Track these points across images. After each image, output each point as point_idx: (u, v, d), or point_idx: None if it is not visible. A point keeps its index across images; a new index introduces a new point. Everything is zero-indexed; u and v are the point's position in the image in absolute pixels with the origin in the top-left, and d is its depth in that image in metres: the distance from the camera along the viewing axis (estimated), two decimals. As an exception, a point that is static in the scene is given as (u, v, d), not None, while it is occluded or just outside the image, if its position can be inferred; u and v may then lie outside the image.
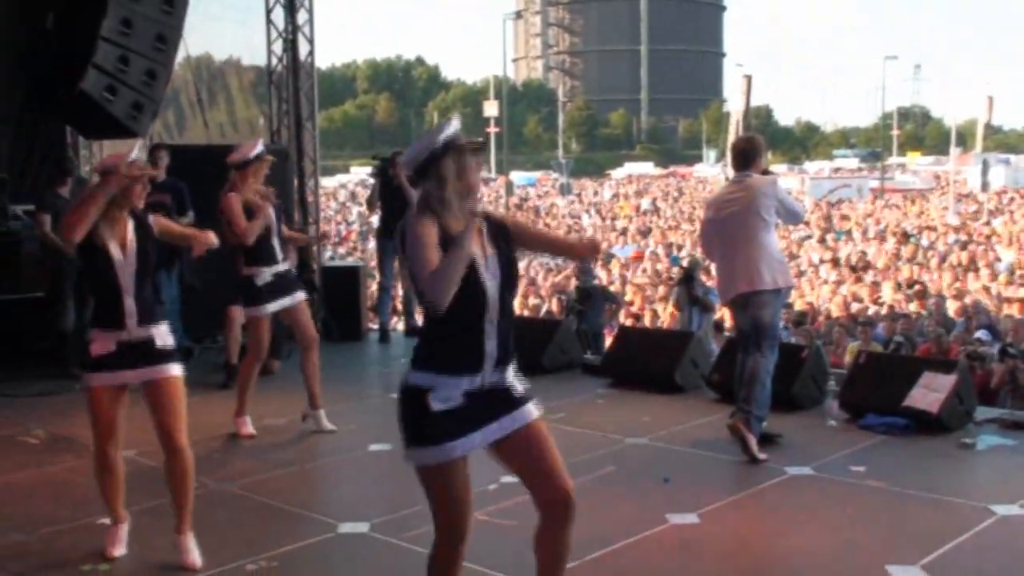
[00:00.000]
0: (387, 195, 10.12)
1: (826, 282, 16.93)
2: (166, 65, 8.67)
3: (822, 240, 24.15)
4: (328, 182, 58.06)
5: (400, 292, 12.08)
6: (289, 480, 5.89)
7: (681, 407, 7.36)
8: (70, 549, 4.75)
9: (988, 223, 27.15)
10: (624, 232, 28.00)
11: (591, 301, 12.17)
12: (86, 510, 5.20)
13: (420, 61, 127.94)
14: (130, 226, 4.46)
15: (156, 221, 4.60)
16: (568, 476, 3.37)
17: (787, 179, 43.32)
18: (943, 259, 19.06)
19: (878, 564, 4.35)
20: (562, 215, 38.25)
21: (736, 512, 5.23)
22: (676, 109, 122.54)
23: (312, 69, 11.10)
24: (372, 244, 19.46)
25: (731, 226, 6.12)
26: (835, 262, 19.34)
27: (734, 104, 32.52)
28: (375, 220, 12.83)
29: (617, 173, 79.51)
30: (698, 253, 14.63)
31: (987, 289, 14.82)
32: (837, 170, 69.62)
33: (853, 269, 18.04)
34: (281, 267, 6.67)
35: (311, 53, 11.03)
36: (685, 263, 13.97)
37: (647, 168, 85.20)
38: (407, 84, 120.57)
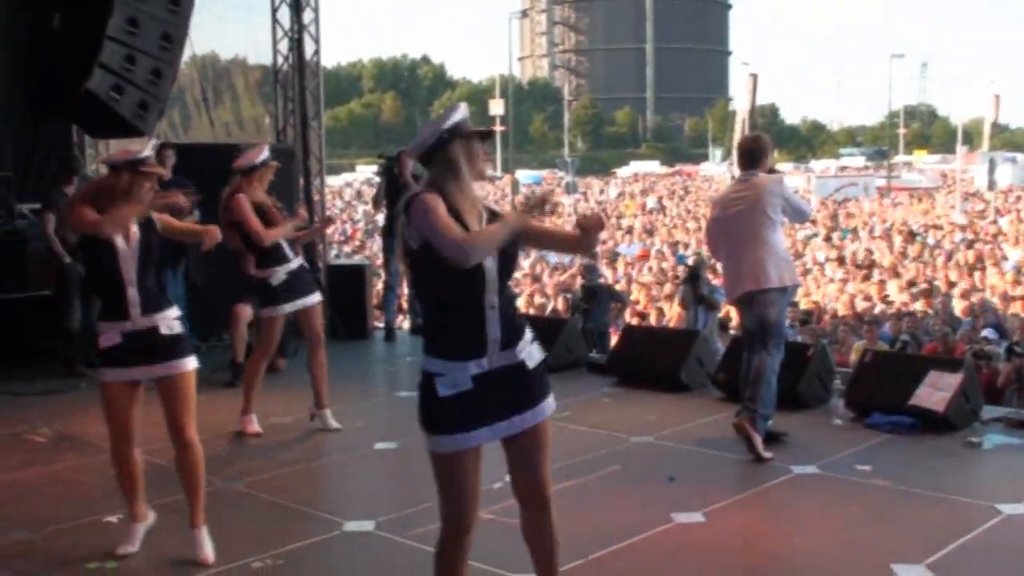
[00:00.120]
0: (392, 194, 10.11)
1: (832, 280, 16.91)
2: (172, 64, 8.68)
3: (828, 238, 24.11)
4: (334, 181, 58.14)
5: (406, 291, 12.08)
6: (295, 478, 5.90)
7: (686, 406, 7.36)
8: (75, 547, 4.76)
9: (995, 222, 27.10)
10: (630, 231, 27.97)
11: (597, 300, 12.16)
12: (91, 508, 5.23)
13: (426, 60, 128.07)
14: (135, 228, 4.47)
15: (159, 217, 4.61)
16: (548, 477, 3.40)
17: (793, 178, 43.24)
18: (949, 257, 19.02)
19: (883, 563, 4.34)
20: (567, 213, 38.19)
21: (741, 511, 5.23)
22: (682, 107, 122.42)
23: (318, 68, 11.11)
24: (377, 243, 19.47)
25: (737, 225, 6.11)
26: (841, 260, 19.32)
27: (740, 103, 32.44)
28: (380, 219, 12.84)
29: (623, 171, 79.51)
30: (704, 251, 14.61)
31: (993, 287, 14.80)
32: (843, 168, 69.50)
33: (859, 267, 18.02)
34: (293, 264, 6.68)
35: (317, 52, 11.03)
36: (691, 261, 13.96)
37: (653, 167, 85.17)
38: (413, 83, 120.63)
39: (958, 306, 13.11)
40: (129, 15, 8.17)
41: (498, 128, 57.35)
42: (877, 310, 13.30)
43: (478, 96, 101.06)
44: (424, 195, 3.18)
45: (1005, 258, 18.57)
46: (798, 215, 6.52)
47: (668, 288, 15.39)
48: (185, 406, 4.49)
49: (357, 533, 4.91)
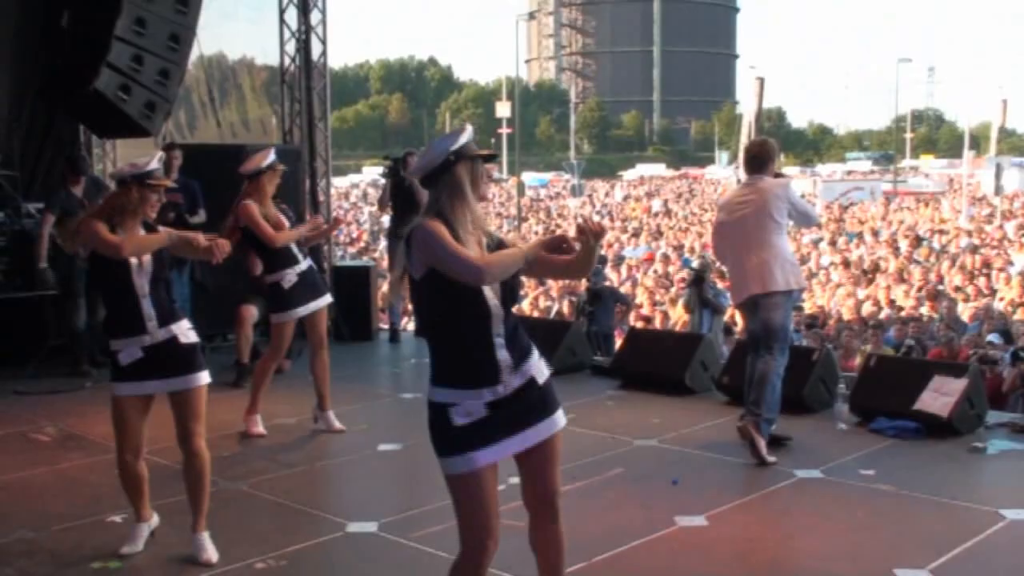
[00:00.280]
0: (399, 196, 10.13)
1: (840, 285, 16.88)
2: (180, 65, 8.70)
3: (833, 243, 24.08)
4: (340, 182, 58.23)
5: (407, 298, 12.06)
6: (298, 479, 5.90)
7: (690, 409, 7.36)
8: (80, 546, 4.77)
9: (1001, 227, 27.04)
10: (636, 235, 27.96)
11: (601, 302, 12.15)
12: (96, 507, 5.24)
13: (433, 61, 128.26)
14: (143, 232, 4.49)
15: (167, 232, 4.62)
16: (558, 482, 3.41)
17: (799, 182, 43.25)
18: (954, 262, 18.99)
19: (887, 568, 4.34)
20: (573, 216, 38.21)
21: (744, 515, 5.22)
22: (688, 111, 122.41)
23: (325, 69, 11.13)
24: (383, 244, 19.49)
25: (743, 228, 6.11)
26: (846, 264, 19.29)
27: (746, 106, 32.45)
28: (386, 220, 12.85)
29: (629, 174, 79.50)
30: (709, 255, 14.60)
31: (1000, 293, 14.77)
32: (850, 172, 69.51)
33: (865, 272, 17.99)
34: (303, 265, 6.69)
35: (324, 53, 11.05)
36: (696, 265, 13.94)
37: (659, 169, 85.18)
38: (420, 84, 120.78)
39: (964, 311, 13.09)
40: (137, 15, 8.20)
41: (504, 130, 57.42)
42: (883, 315, 13.27)
43: (485, 98, 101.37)
44: (426, 224, 3.16)
45: (1011, 263, 18.53)
46: (804, 219, 6.51)
47: (674, 290, 15.38)
48: (197, 417, 4.51)
49: (360, 534, 4.91)
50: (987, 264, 18.34)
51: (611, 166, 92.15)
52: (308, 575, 4.55)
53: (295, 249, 6.66)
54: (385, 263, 13.60)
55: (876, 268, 18.72)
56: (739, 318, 10.66)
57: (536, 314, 14.33)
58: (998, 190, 34.35)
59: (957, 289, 15.37)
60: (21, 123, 10.19)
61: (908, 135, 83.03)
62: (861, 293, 15.60)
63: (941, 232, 25.91)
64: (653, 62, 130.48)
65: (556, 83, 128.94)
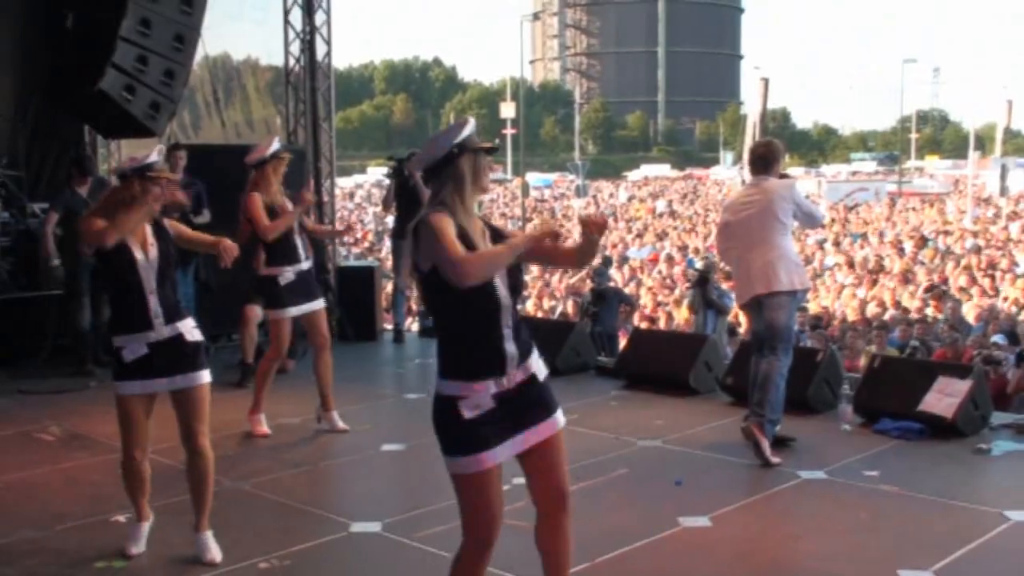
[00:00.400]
0: (403, 196, 10.14)
1: (844, 287, 16.86)
2: (184, 65, 8.72)
3: (837, 243, 24.06)
4: (345, 182, 58.23)
5: (415, 293, 12.09)
6: (302, 479, 5.91)
7: (694, 410, 7.36)
8: (84, 546, 4.78)
9: (1006, 227, 26.99)
10: (640, 235, 27.96)
11: (605, 303, 12.15)
12: (101, 507, 5.25)
13: (437, 62, 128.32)
14: (148, 228, 4.49)
15: (172, 225, 4.64)
16: (567, 480, 3.41)
17: (804, 182, 43.19)
18: (958, 263, 18.96)
19: (891, 569, 4.34)
20: (577, 217, 38.21)
21: (748, 516, 5.22)
22: (693, 111, 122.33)
23: (329, 70, 11.14)
24: (388, 244, 19.50)
25: (748, 229, 6.11)
26: (851, 265, 19.27)
27: (751, 107, 32.39)
28: (390, 220, 12.85)
29: (633, 175, 79.48)
30: (713, 255, 14.61)
31: (1005, 295, 14.74)
32: (854, 173, 69.40)
33: (871, 272, 17.97)
34: (304, 265, 6.68)
35: (328, 54, 11.07)
36: (700, 265, 13.94)
37: (664, 170, 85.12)
38: (424, 85, 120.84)
39: (969, 312, 13.06)
40: (142, 16, 8.21)
41: (509, 131, 57.44)
42: (887, 316, 13.26)
43: (489, 98, 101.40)
44: (432, 217, 3.18)
45: (1016, 264, 18.50)
46: (810, 220, 6.51)
47: (679, 291, 15.37)
48: (201, 415, 4.51)
49: (364, 534, 4.92)
50: (992, 265, 18.31)
51: (615, 167, 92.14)
52: (311, 575, 4.55)
53: (300, 248, 6.65)
54: (389, 263, 13.60)
55: (880, 269, 18.70)
56: (743, 318, 10.67)
57: (540, 314, 14.33)
58: (1003, 191, 34.35)
59: (962, 290, 15.35)
60: (26, 123, 10.21)
61: (913, 136, 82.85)
62: (864, 293, 15.57)
63: (946, 233, 25.88)
64: (657, 63, 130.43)
65: (560, 84, 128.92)
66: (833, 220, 30.12)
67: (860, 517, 5.05)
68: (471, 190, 3.25)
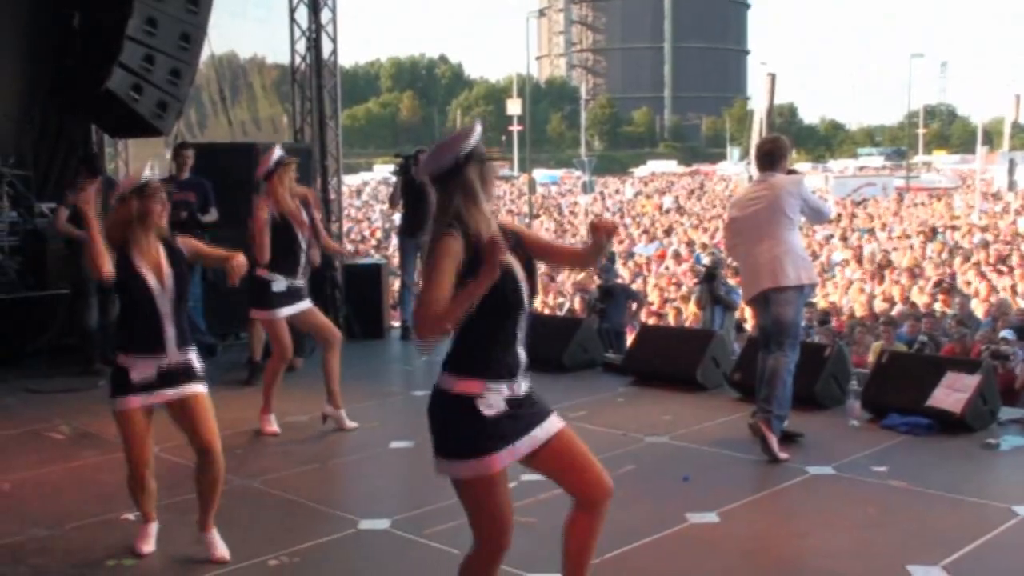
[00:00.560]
0: (410, 193, 10.15)
1: (852, 282, 16.83)
2: (191, 64, 8.75)
3: (844, 238, 24.02)
4: (351, 180, 58.27)
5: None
6: (311, 477, 5.92)
7: (702, 406, 7.35)
8: (94, 544, 4.79)
9: (1014, 222, 26.92)
10: (647, 231, 27.94)
11: (613, 299, 12.15)
12: (110, 505, 5.25)
13: (443, 59, 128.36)
14: (162, 252, 4.49)
15: (186, 244, 4.62)
16: (606, 473, 3.41)
17: (811, 178, 43.08)
18: (967, 258, 18.91)
19: (899, 564, 4.33)
20: (585, 213, 38.22)
21: (756, 512, 5.22)
22: (700, 107, 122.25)
23: (335, 67, 11.15)
24: (394, 242, 19.52)
25: (755, 224, 6.10)
26: (859, 260, 19.24)
27: (758, 102, 32.32)
28: (397, 218, 12.87)
29: (640, 171, 79.47)
30: (721, 251, 14.59)
31: (1013, 289, 14.70)
32: (862, 168, 69.28)
33: (880, 268, 17.93)
34: (298, 282, 6.75)
35: (334, 52, 11.09)
36: (707, 262, 13.93)
37: (670, 166, 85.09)
38: (430, 82, 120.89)
39: (978, 307, 13.03)
40: (148, 15, 8.24)
41: (515, 127, 57.43)
42: (895, 311, 13.23)
43: (495, 95, 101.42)
44: (447, 238, 3.11)
45: (1024, 258, 18.44)
46: (817, 215, 6.50)
47: (685, 288, 15.36)
48: (209, 421, 4.51)
49: (372, 532, 4.93)
50: (1001, 259, 18.26)
51: (622, 163, 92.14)
52: (321, 572, 4.56)
53: (302, 264, 6.76)
54: (396, 261, 13.60)
55: (888, 264, 18.66)
56: (749, 314, 10.66)
57: (548, 311, 14.33)
58: (1011, 185, 34.23)
59: (969, 284, 15.31)
60: (33, 123, 10.25)
61: (920, 131, 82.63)
62: (879, 290, 15.53)
63: (953, 228, 25.82)
64: (664, 58, 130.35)
65: (567, 80, 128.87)
66: (840, 215, 30.08)
67: (868, 513, 5.05)
68: (482, 198, 3.21)
